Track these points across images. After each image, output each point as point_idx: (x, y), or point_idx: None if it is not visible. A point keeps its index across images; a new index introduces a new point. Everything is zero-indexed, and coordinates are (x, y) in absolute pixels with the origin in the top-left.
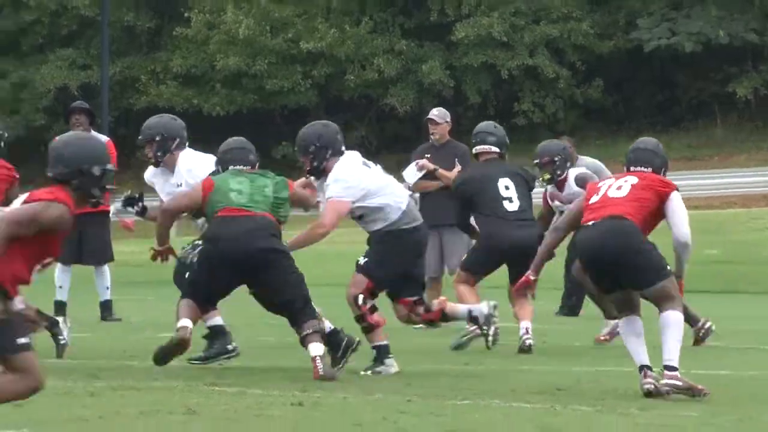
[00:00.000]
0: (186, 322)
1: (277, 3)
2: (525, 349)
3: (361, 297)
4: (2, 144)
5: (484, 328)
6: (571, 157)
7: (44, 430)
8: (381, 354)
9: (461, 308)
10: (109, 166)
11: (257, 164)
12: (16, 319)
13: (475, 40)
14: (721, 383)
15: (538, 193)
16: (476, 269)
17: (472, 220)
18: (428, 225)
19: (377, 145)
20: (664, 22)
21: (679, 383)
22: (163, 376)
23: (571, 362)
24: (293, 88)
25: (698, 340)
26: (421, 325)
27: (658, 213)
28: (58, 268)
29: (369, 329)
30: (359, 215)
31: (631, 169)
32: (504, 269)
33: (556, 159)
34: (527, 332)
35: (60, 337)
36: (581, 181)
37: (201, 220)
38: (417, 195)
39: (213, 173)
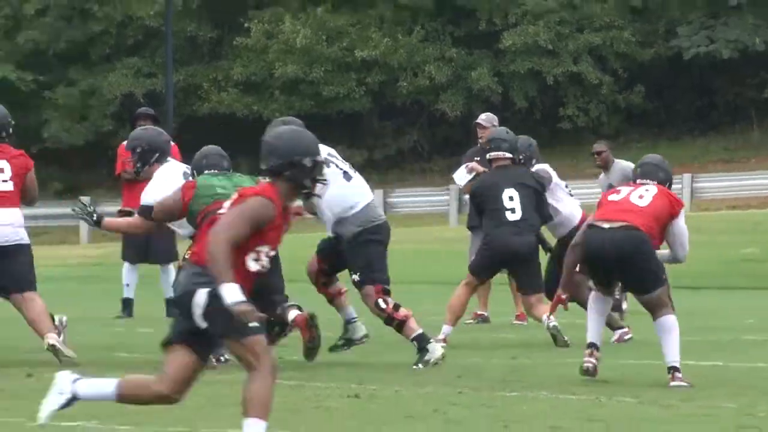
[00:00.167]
0: None
1: (332, 13)
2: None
3: (380, 301)
4: (10, 131)
5: (419, 365)
6: (537, 155)
7: (111, 422)
8: (421, 343)
9: (413, 328)
10: (320, 158)
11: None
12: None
13: (522, 48)
14: (759, 375)
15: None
16: (479, 271)
17: None
18: (479, 224)
19: (429, 149)
20: (703, 30)
21: (685, 384)
22: (226, 369)
23: (615, 356)
24: (348, 94)
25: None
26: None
27: (666, 227)
28: (125, 266)
29: (400, 326)
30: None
31: (638, 182)
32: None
33: (521, 156)
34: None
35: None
36: (538, 178)
37: None
38: (467, 196)
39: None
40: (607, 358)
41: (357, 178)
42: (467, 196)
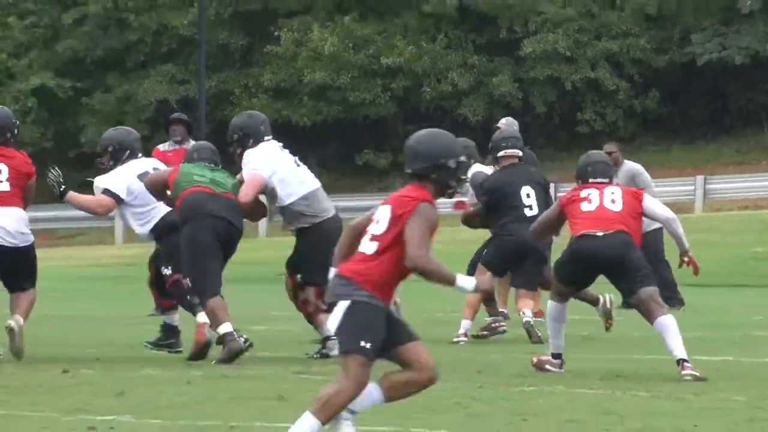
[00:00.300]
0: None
1: (359, 22)
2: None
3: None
4: (16, 132)
5: (320, 350)
6: (475, 155)
7: (144, 416)
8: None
9: (326, 328)
10: (462, 158)
11: (219, 166)
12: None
13: (542, 55)
14: None
15: None
16: (493, 265)
17: None
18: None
19: None
20: (716, 38)
21: (697, 373)
22: (254, 366)
23: (630, 351)
24: (374, 100)
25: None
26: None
27: (639, 218)
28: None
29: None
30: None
31: (591, 181)
32: None
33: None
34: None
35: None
36: (473, 181)
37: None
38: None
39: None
40: (622, 353)
41: (304, 168)
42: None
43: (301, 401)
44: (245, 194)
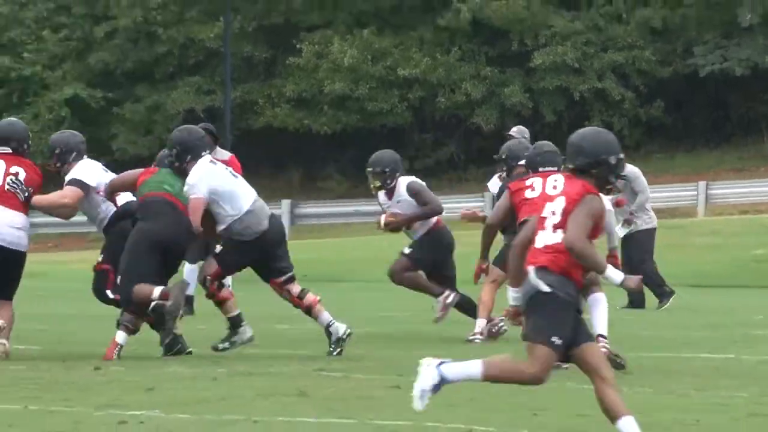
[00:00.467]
0: None
1: (377, 35)
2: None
3: (208, 279)
4: (29, 143)
5: (332, 346)
6: (401, 168)
7: (173, 411)
8: (234, 323)
9: (324, 317)
10: (621, 155)
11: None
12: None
13: (551, 67)
14: None
15: None
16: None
17: None
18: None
19: (465, 159)
20: (717, 50)
21: (606, 350)
22: (277, 363)
23: (636, 349)
24: (391, 109)
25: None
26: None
27: None
28: (186, 266)
29: (220, 304)
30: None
31: (540, 170)
32: None
33: (386, 169)
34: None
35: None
36: (411, 191)
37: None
38: None
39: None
40: (628, 351)
41: (240, 178)
42: None
43: (321, 397)
44: (194, 223)
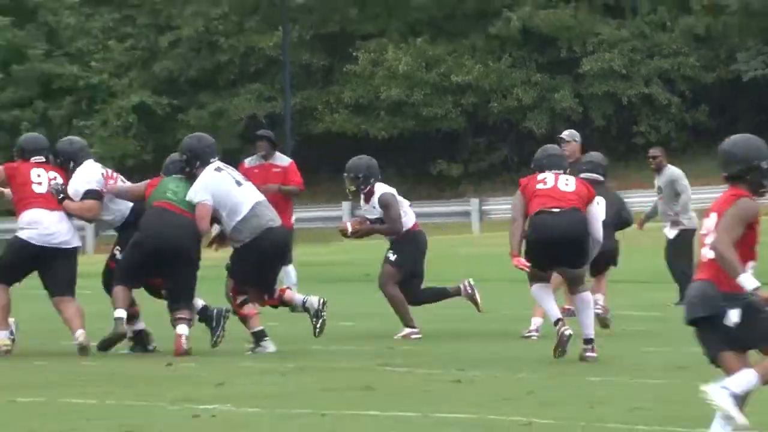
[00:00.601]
0: (121, 313)
1: (430, 43)
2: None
3: (230, 296)
4: (50, 156)
5: (313, 319)
6: (376, 174)
7: (243, 405)
8: (257, 338)
9: (297, 298)
10: None
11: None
12: None
13: (599, 73)
14: None
15: None
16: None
17: None
18: None
19: (518, 162)
20: (760, 56)
21: (595, 354)
22: (343, 359)
23: (686, 344)
24: (446, 114)
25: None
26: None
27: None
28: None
29: (244, 320)
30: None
31: (547, 172)
32: None
33: (360, 175)
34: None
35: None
36: (381, 202)
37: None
38: None
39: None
40: (679, 346)
41: (246, 185)
42: None
43: (385, 391)
44: (201, 227)
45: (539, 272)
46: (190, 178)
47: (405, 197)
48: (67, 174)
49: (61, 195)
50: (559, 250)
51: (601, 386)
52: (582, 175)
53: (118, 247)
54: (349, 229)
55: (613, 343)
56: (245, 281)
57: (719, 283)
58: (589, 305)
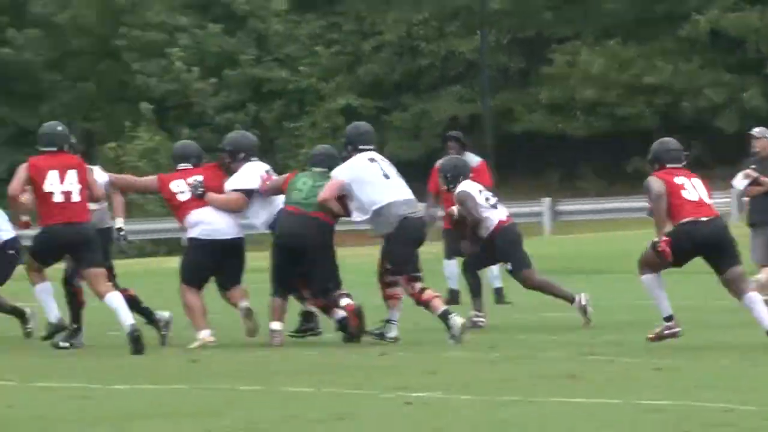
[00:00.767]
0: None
1: (622, 45)
2: None
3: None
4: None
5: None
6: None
7: (454, 392)
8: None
9: (437, 307)
10: None
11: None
12: None
13: None
14: None
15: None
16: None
17: None
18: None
19: (710, 160)
20: None
21: None
22: (548, 348)
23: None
24: (639, 114)
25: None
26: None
27: None
28: (444, 262)
29: (427, 305)
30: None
31: (668, 166)
32: None
33: (448, 175)
34: None
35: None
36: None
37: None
38: (746, 199)
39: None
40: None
41: (395, 178)
42: (746, 199)
43: (590, 380)
44: (324, 194)
45: (664, 263)
46: (228, 170)
47: (600, 194)
48: (232, 165)
49: (201, 190)
50: (710, 253)
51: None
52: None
53: None
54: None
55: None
56: (400, 267)
57: None
58: (759, 301)
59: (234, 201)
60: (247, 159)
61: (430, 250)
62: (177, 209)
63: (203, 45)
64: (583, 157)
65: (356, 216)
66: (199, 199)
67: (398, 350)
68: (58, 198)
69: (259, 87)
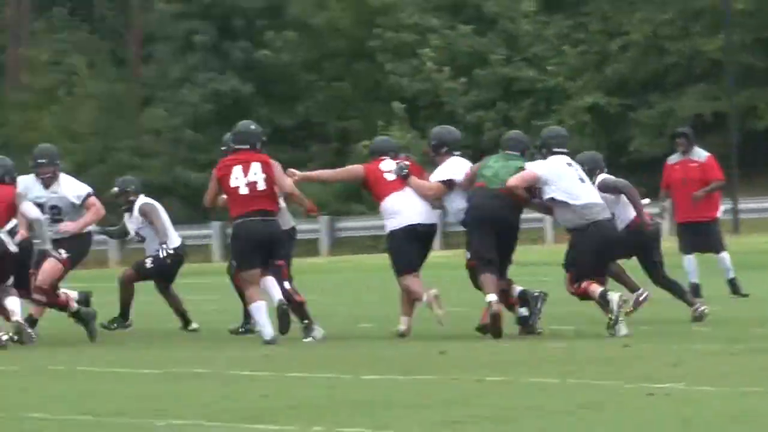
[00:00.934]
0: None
1: None
2: None
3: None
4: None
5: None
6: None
7: (696, 384)
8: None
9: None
10: None
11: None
12: None
13: None
14: None
15: None
16: None
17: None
18: None
19: None
20: None
21: None
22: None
23: None
24: None
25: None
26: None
27: None
28: (683, 256)
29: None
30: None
31: None
32: None
33: (585, 167)
34: None
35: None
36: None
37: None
38: None
39: None
40: None
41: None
42: None
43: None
44: (513, 181)
45: None
46: (432, 162)
47: None
48: (435, 158)
49: (405, 171)
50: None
51: None
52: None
53: None
54: None
55: None
56: (582, 269)
57: None
58: None
59: (433, 188)
60: (449, 153)
61: (669, 246)
62: (380, 189)
63: (454, 45)
64: None
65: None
66: (403, 179)
67: (641, 342)
68: (243, 190)
69: (508, 86)
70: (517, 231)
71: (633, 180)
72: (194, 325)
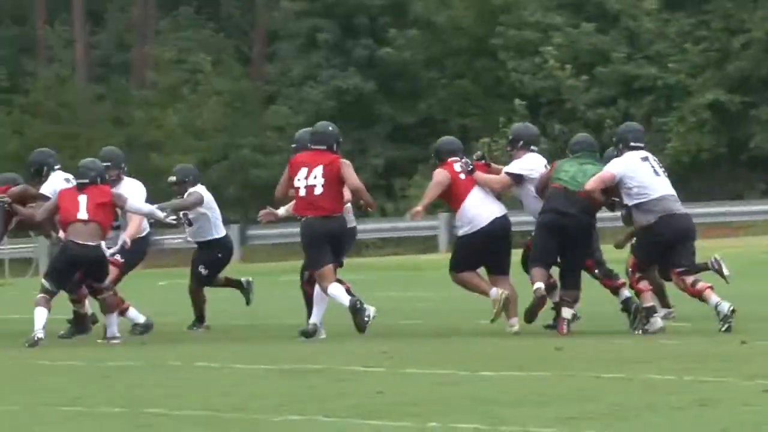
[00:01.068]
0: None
1: None
2: None
3: (630, 271)
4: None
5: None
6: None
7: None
8: (648, 313)
9: (713, 298)
10: None
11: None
12: None
13: None
14: None
15: None
16: None
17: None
18: None
19: None
20: None
21: None
22: None
23: None
24: None
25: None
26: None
27: None
28: None
29: (637, 294)
30: None
31: None
32: None
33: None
34: None
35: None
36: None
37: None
38: None
39: None
40: None
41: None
42: None
43: None
44: (591, 184)
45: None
46: (509, 156)
47: None
48: (512, 152)
49: (471, 166)
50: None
51: None
52: None
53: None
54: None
55: None
56: (646, 260)
57: None
58: None
59: (499, 181)
60: (525, 148)
61: None
62: (457, 188)
63: (576, 43)
64: None
65: (626, 200)
66: (468, 175)
67: (758, 339)
68: (302, 192)
69: (629, 83)
70: (591, 234)
71: (753, 177)
72: (206, 324)
